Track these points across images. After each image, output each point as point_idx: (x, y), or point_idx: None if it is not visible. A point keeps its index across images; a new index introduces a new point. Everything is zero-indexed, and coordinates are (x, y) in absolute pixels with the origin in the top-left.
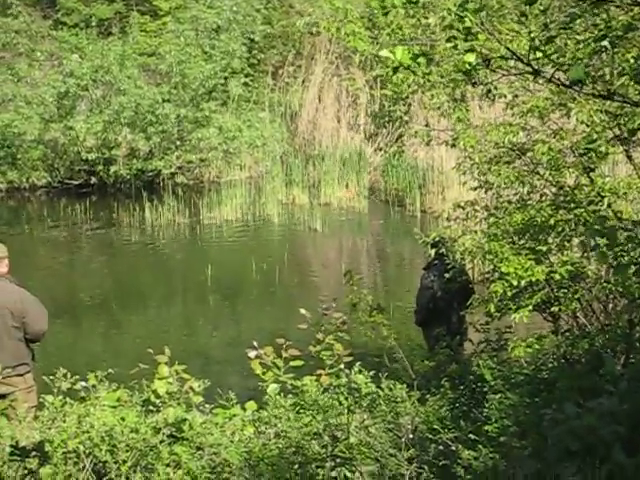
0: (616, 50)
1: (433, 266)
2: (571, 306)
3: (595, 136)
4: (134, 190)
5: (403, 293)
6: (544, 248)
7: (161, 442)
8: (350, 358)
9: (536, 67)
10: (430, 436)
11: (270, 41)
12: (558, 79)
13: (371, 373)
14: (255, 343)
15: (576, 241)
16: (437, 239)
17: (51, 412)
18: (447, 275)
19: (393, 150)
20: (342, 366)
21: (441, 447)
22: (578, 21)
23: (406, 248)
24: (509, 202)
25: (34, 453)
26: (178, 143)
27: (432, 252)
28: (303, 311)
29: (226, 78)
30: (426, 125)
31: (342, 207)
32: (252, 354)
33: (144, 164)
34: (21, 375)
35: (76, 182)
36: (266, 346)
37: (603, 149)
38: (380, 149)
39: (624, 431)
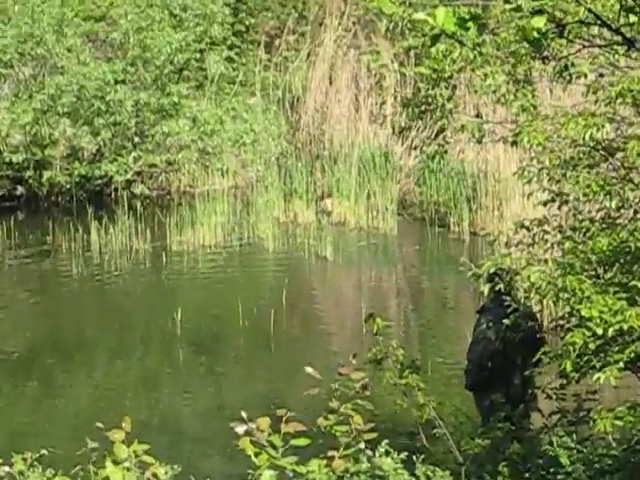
0: None
1: (489, 309)
2: None
3: None
4: (76, 204)
5: (446, 345)
6: None
7: None
8: (373, 435)
9: (629, 35)
10: None
11: (263, 0)
12: None
13: (402, 455)
14: (244, 414)
15: None
16: (493, 272)
17: None
18: (507, 321)
19: (432, 150)
20: (362, 445)
21: None
22: None
23: (450, 284)
24: (591, 221)
25: None
26: (136, 140)
27: (486, 289)
28: (310, 370)
29: (202, 51)
30: (477, 116)
31: (361, 227)
32: (240, 429)
33: (90, 169)
34: None
35: None
36: (259, 418)
37: None
38: (414, 148)
39: None
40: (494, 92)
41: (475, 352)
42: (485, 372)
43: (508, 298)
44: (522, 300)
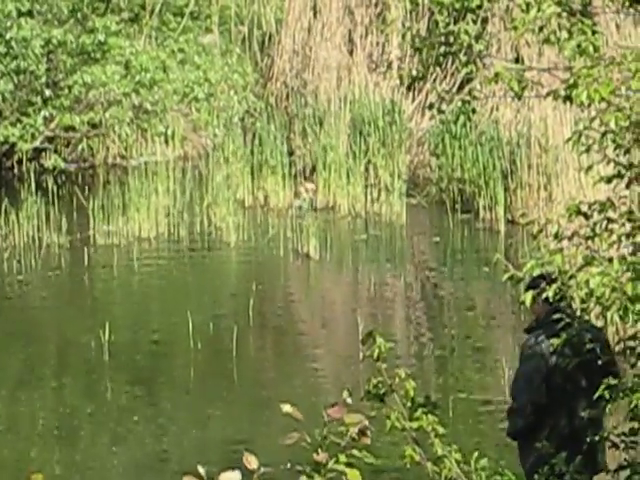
0: None
1: (543, 326)
2: None
3: None
4: None
5: (473, 375)
6: None
7: None
8: None
9: None
10: None
11: None
12: None
13: None
14: (201, 468)
15: None
16: (537, 275)
17: None
18: (555, 341)
19: (454, 108)
20: None
21: None
22: None
23: (478, 290)
24: None
25: None
26: (48, 94)
27: (528, 298)
28: (288, 409)
29: None
30: (516, 61)
31: (357, 214)
32: None
33: None
34: None
35: None
36: (217, 473)
37: None
38: (430, 106)
39: None
40: (541, 29)
41: (523, 387)
42: (536, 415)
43: (566, 310)
44: (577, 311)
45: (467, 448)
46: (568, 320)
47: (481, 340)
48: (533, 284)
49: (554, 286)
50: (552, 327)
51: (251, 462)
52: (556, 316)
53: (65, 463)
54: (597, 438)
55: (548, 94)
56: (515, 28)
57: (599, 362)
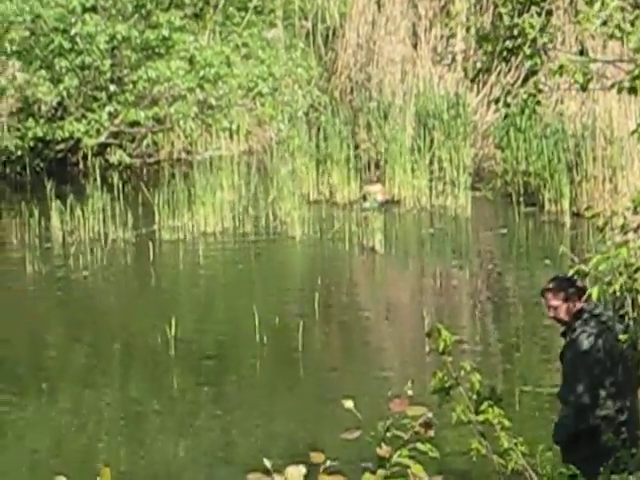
0: None
1: (592, 318)
2: None
3: None
4: (30, 177)
5: (540, 369)
6: None
7: None
8: None
9: None
10: None
11: None
12: None
13: None
14: (267, 462)
15: None
16: (565, 277)
17: None
18: (623, 337)
19: (519, 101)
20: None
21: None
22: None
23: (545, 283)
24: None
25: None
26: (113, 89)
27: (595, 293)
28: (349, 404)
29: None
30: (581, 53)
31: (422, 207)
32: None
33: (49, 129)
34: None
35: None
36: (285, 467)
37: None
38: (495, 101)
39: None
40: (604, 23)
41: (575, 383)
42: (585, 423)
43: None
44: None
45: (533, 441)
46: (605, 315)
47: (546, 333)
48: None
49: (620, 279)
50: (593, 319)
51: (317, 458)
52: (597, 311)
53: (131, 458)
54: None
55: (612, 86)
56: (579, 22)
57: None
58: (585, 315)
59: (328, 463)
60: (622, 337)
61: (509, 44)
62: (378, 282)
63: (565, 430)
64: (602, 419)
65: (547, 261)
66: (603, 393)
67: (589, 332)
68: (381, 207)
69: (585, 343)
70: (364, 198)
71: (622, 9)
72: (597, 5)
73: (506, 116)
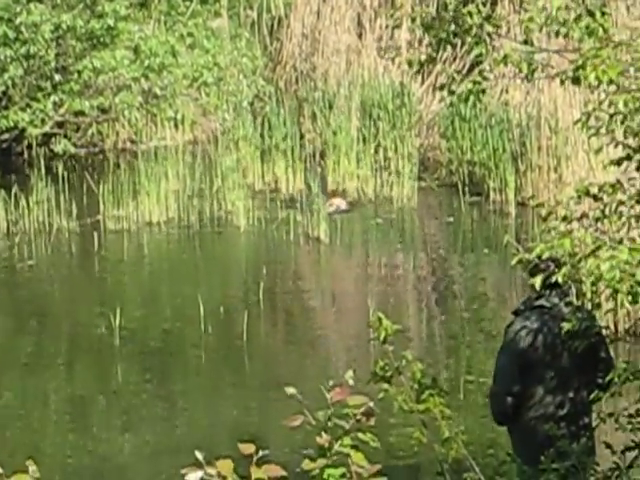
0: None
1: (533, 309)
2: None
3: None
4: None
5: (482, 358)
6: None
7: None
8: None
9: None
10: None
11: None
12: None
13: None
14: (199, 454)
15: None
16: (544, 258)
17: None
18: (567, 325)
19: (464, 90)
20: None
21: None
22: None
23: (489, 273)
24: None
25: None
26: (57, 79)
27: (538, 282)
28: (291, 391)
29: None
30: (525, 43)
31: (369, 198)
32: (193, 476)
33: None
34: None
35: None
36: (221, 459)
37: None
38: (439, 88)
39: None
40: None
41: (499, 374)
42: (515, 401)
43: (565, 294)
44: (587, 297)
45: (475, 430)
46: (549, 305)
47: (491, 323)
48: (537, 267)
49: (563, 270)
50: (540, 312)
51: (246, 449)
52: (538, 303)
53: (76, 447)
54: (587, 420)
55: (556, 75)
56: (525, 9)
57: (583, 346)
58: (532, 305)
59: (261, 453)
60: (567, 325)
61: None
62: (323, 271)
63: (491, 410)
64: (537, 419)
65: (486, 250)
66: (540, 391)
67: (529, 329)
68: (346, 213)
69: (521, 343)
70: (327, 208)
71: (567, 7)
72: (540, 3)
73: (451, 104)
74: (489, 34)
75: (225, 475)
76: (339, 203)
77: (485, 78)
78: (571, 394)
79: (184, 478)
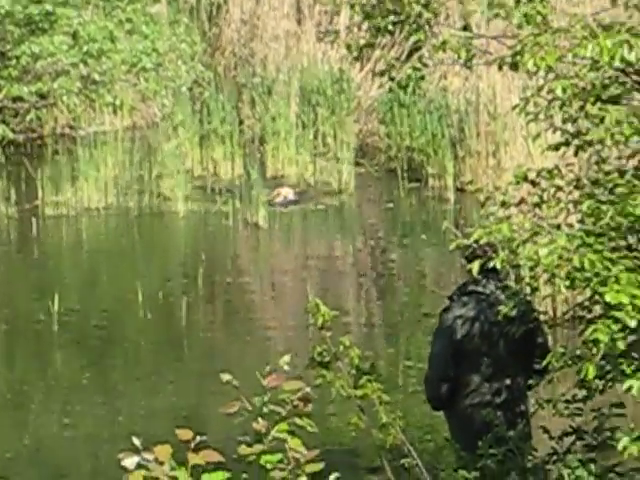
0: None
1: (470, 294)
2: None
3: None
4: None
5: (420, 344)
6: None
7: None
8: (319, 466)
9: None
10: None
11: None
12: None
13: None
14: (135, 440)
15: None
16: (481, 244)
17: None
18: (505, 309)
19: (403, 76)
20: None
21: None
22: None
23: (427, 259)
24: (620, 173)
25: None
26: None
27: (475, 267)
28: (227, 377)
29: None
30: (465, 29)
31: (308, 183)
32: (129, 462)
33: None
34: None
35: None
36: (157, 445)
37: None
38: (380, 73)
39: None
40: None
41: (432, 360)
42: (450, 386)
43: (501, 278)
44: (525, 283)
45: (412, 416)
46: (487, 292)
47: (430, 309)
48: (474, 253)
49: (502, 254)
50: (476, 297)
51: (184, 435)
52: (472, 288)
53: (13, 434)
54: (523, 407)
55: (494, 61)
56: (463, 3)
57: (519, 330)
58: (467, 290)
59: (198, 439)
60: (504, 309)
61: (394, 18)
62: (262, 258)
63: (426, 395)
64: (473, 406)
65: (423, 236)
66: (476, 379)
67: (465, 317)
68: (294, 204)
69: (457, 332)
70: (274, 198)
71: None
72: None
73: (390, 90)
74: (428, 21)
75: (162, 461)
76: (286, 193)
77: (425, 65)
78: (507, 381)
79: (121, 462)
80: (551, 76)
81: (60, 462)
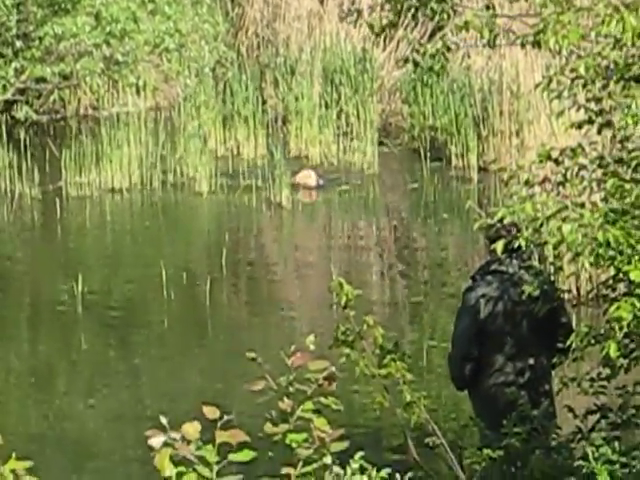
0: None
1: (491, 273)
2: None
3: None
4: None
5: (444, 324)
6: None
7: None
8: (343, 445)
9: None
10: None
11: None
12: None
13: (383, 473)
14: (163, 418)
15: None
16: (504, 223)
17: None
18: (529, 288)
19: (426, 57)
20: (328, 460)
21: None
22: None
23: (451, 239)
24: None
25: None
26: (19, 45)
27: (499, 247)
28: (252, 355)
29: None
30: (488, 8)
31: (331, 162)
32: (156, 440)
33: None
34: None
35: None
36: (185, 423)
37: None
38: (405, 60)
39: None
40: None
41: (455, 339)
42: (473, 365)
43: (526, 257)
44: (549, 262)
45: (437, 394)
46: (511, 272)
47: (454, 288)
48: (497, 232)
49: (526, 233)
50: (497, 278)
51: (210, 413)
52: (496, 267)
53: (39, 414)
54: (547, 386)
55: (518, 40)
56: None
57: (543, 310)
58: (490, 269)
59: (225, 418)
60: (528, 289)
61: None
62: (285, 237)
63: (450, 374)
64: (497, 386)
65: (445, 215)
66: (500, 358)
67: (489, 296)
68: (318, 189)
69: (481, 311)
70: (299, 182)
71: None
72: None
73: (415, 71)
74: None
75: (189, 439)
76: (311, 177)
77: (448, 48)
78: (531, 361)
79: (147, 442)
80: (574, 56)
81: (85, 443)
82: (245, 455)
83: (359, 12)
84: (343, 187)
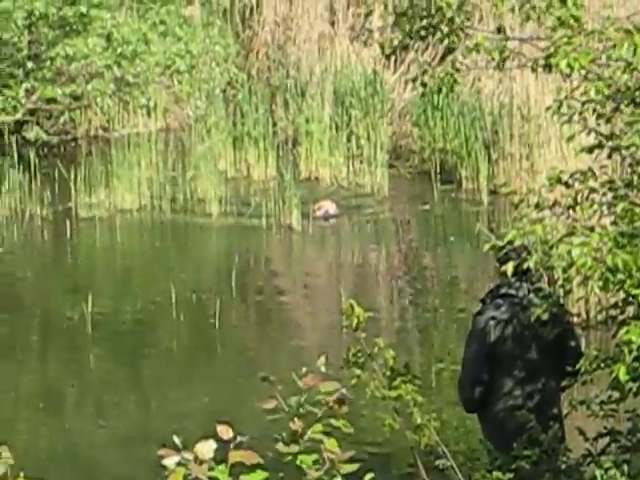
0: None
1: (500, 297)
2: None
3: None
4: None
5: (453, 346)
6: None
7: None
8: (354, 467)
9: None
10: None
11: None
12: None
13: None
14: (176, 439)
15: None
16: (514, 245)
17: None
18: (539, 311)
19: (436, 79)
20: None
21: None
22: None
23: (461, 261)
24: None
25: None
26: (30, 66)
27: (509, 268)
28: (264, 375)
29: None
30: (499, 31)
31: (341, 185)
32: (169, 460)
33: None
34: None
35: None
36: (196, 443)
37: None
38: (413, 79)
39: None
40: (521, 6)
41: (465, 363)
42: (483, 389)
43: (535, 279)
44: (558, 285)
45: (447, 417)
46: (521, 295)
47: (464, 310)
48: (507, 255)
49: (535, 256)
50: (506, 301)
51: (224, 432)
52: (505, 290)
53: (49, 433)
54: (555, 410)
55: (528, 63)
56: (495, 5)
57: (552, 333)
58: (500, 293)
59: (239, 438)
60: (538, 311)
61: (426, 23)
62: (295, 260)
63: (459, 397)
64: (506, 410)
65: (455, 238)
66: (509, 382)
67: (498, 319)
68: (335, 217)
69: (491, 335)
70: (315, 212)
71: None
72: None
73: (423, 95)
74: (462, 23)
75: (203, 459)
76: (328, 207)
77: (457, 70)
78: (540, 385)
79: (160, 462)
80: (584, 81)
81: (95, 462)
82: (258, 477)
83: (370, 32)
84: (354, 211)
